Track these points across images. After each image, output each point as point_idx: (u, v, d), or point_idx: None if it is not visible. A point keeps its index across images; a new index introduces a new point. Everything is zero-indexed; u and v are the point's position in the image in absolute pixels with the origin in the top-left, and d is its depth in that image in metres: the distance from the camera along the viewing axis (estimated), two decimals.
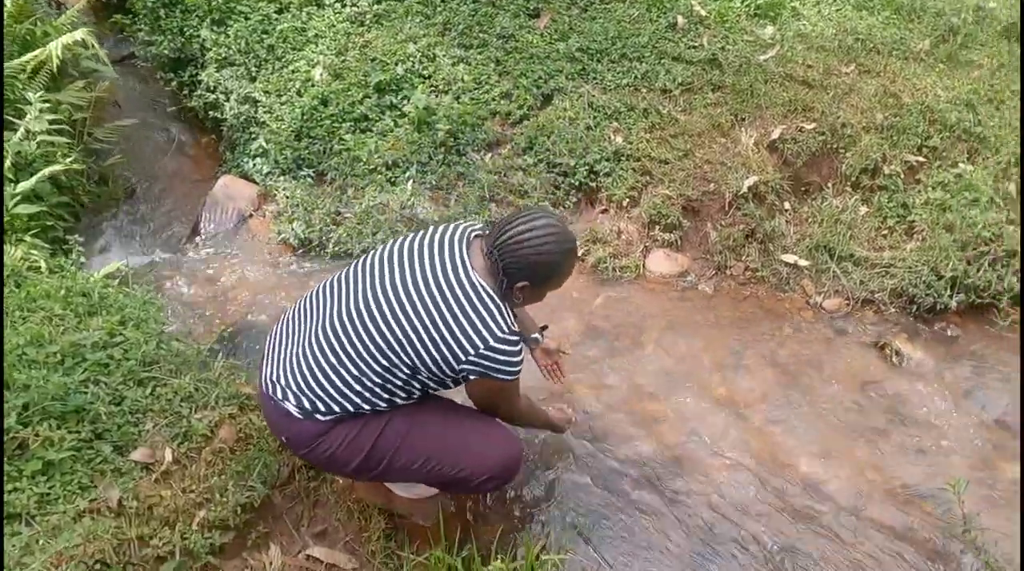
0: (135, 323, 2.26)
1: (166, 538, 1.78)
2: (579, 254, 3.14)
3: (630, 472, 2.34)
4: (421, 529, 2.04)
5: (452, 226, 1.87)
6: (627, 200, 3.16)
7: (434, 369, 1.72)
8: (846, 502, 2.26)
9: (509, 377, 1.74)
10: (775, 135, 3.21)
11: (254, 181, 3.60)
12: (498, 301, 1.73)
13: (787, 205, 3.14)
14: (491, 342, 1.68)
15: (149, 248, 3.48)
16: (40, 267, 2.42)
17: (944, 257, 2.77)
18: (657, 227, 3.09)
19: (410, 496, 2.11)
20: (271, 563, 1.89)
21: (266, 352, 1.90)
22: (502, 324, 1.71)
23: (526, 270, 1.72)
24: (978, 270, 2.74)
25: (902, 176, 3.03)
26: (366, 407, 1.77)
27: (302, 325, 1.87)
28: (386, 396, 1.78)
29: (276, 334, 1.92)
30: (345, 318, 1.78)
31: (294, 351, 1.83)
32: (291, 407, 1.76)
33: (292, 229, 3.23)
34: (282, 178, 3.55)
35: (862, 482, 2.32)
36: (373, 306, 1.76)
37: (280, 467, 2.08)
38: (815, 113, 3.24)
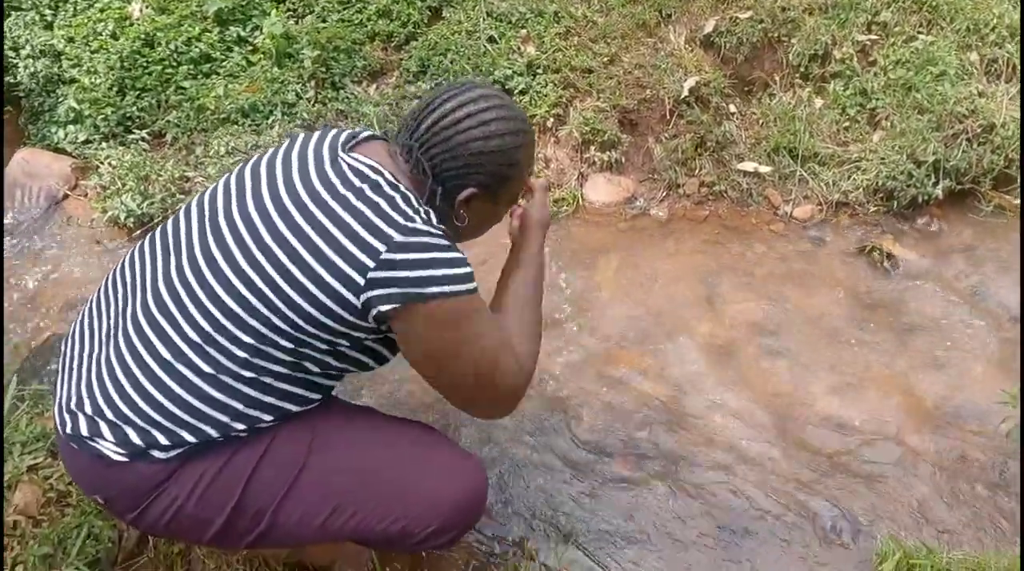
0: None
1: None
2: None
3: (617, 447, 1.81)
4: None
5: (328, 132, 1.22)
6: (551, 119, 2.59)
7: (328, 321, 1.06)
8: (882, 438, 1.83)
9: (449, 289, 1.05)
10: (708, 29, 2.73)
11: (68, 153, 2.74)
12: (401, 187, 1.10)
13: (732, 107, 2.68)
14: (396, 238, 1.03)
15: None
16: None
17: (921, 141, 2.41)
18: (592, 147, 2.55)
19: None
20: None
21: (60, 373, 1.19)
22: (410, 213, 1.07)
23: (471, 169, 1.12)
24: (959, 152, 2.39)
25: (855, 59, 2.64)
26: (238, 425, 1.11)
27: (110, 314, 1.18)
28: (267, 400, 1.12)
29: (71, 340, 1.22)
30: (176, 283, 1.11)
31: (105, 355, 1.14)
32: (108, 446, 1.08)
33: (123, 204, 2.43)
34: (105, 145, 2.72)
35: (890, 410, 1.91)
36: (214, 246, 1.10)
37: (121, 533, 1.37)
38: None
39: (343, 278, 1.03)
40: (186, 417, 1.08)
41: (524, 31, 2.75)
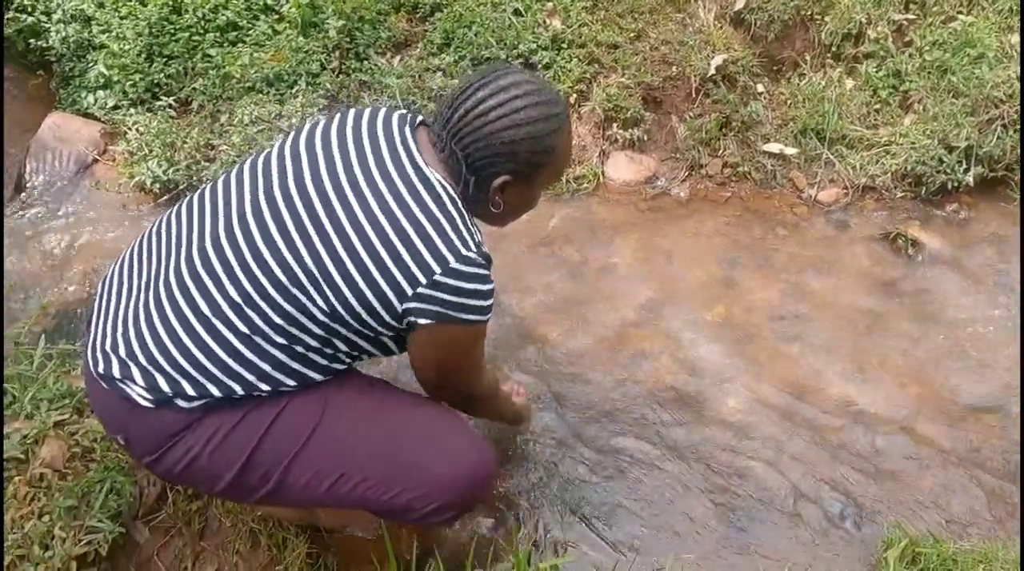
0: None
1: None
2: None
3: (626, 427, 1.82)
4: (360, 544, 1.44)
5: (381, 110, 1.23)
6: (575, 95, 2.57)
7: (364, 314, 1.11)
8: (894, 427, 1.82)
9: (476, 318, 1.14)
10: (739, 5, 2.67)
11: (97, 118, 2.78)
12: (460, 206, 1.14)
13: (760, 87, 2.63)
14: (452, 263, 1.09)
15: None
16: None
17: (954, 126, 2.34)
18: (615, 124, 2.52)
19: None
20: None
21: (94, 315, 1.23)
22: (467, 237, 1.12)
23: (503, 158, 1.13)
24: (994, 138, 2.32)
25: (890, 39, 2.56)
26: (263, 386, 1.14)
27: (156, 261, 1.20)
28: (294, 365, 1.15)
29: (108, 282, 1.25)
30: (224, 243, 1.13)
31: (142, 302, 1.16)
32: (137, 390, 1.12)
33: (149, 169, 2.47)
34: (133, 111, 2.75)
35: (905, 399, 1.89)
36: (269, 217, 1.12)
37: (142, 489, 1.42)
38: None
39: (394, 286, 1.09)
40: (216, 371, 1.12)
41: (550, 4, 2.71)
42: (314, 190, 1.12)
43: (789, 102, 2.59)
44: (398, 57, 2.74)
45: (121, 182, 2.52)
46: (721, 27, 2.68)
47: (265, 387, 1.14)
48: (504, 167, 1.14)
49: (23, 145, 2.84)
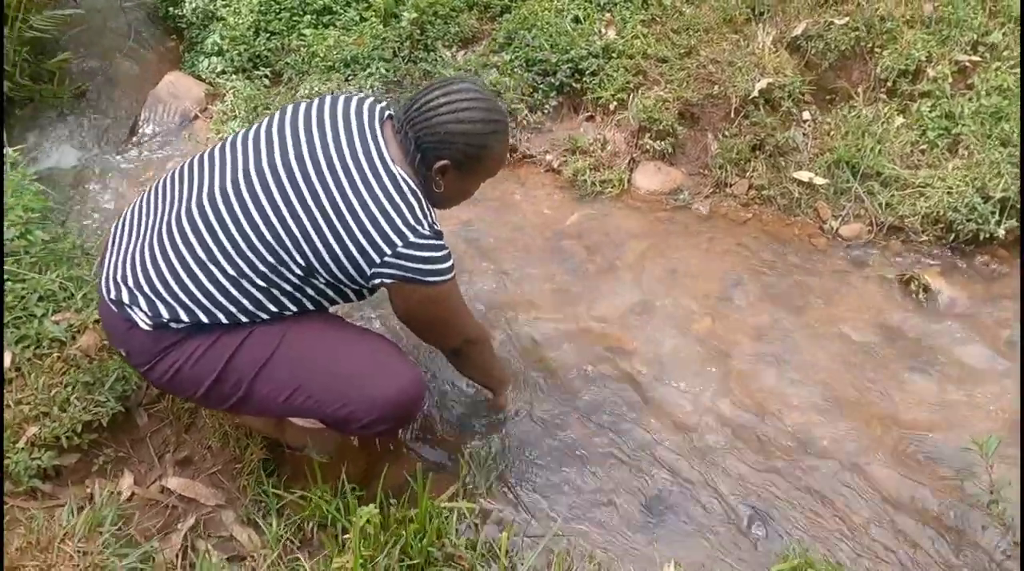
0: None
1: None
2: (555, 166, 2.71)
3: (583, 412, 1.95)
4: (311, 463, 1.68)
5: (355, 99, 1.48)
6: (615, 103, 2.69)
7: (337, 273, 1.37)
8: (843, 461, 1.83)
9: (436, 280, 1.40)
10: (798, 31, 2.68)
11: (205, 81, 3.22)
12: (418, 193, 1.39)
13: (806, 114, 2.62)
14: (411, 238, 1.35)
15: (88, 150, 3.15)
16: None
17: (994, 174, 2.25)
18: (647, 135, 2.62)
19: (306, 424, 1.75)
20: (120, 493, 1.57)
21: (108, 249, 1.53)
22: (423, 219, 1.37)
23: (445, 145, 1.37)
24: None
25: (950, 80, 2.48)
26: (242, 318, 1.40)
27: (161, 209, 1.49)
28: (270, 305, 1.41)
29: (122, 226, 1.54)
30: (218, 200, 1.40)
31: (148, 242, 1.45)
32: (140, 315, 1.39)
33: (231, 129, 2.85)
34: (235, 77, 3.16)
35: (867, 438, 1.89)
36: (258, 186, 1.38)
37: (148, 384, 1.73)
38: (850, 5, 2.69)
39: (364, 254, 1.35)
40: (206, 304, 1.39)
41: (608, 14, 2.83)
42: (299, 167, 1.37)
43: (831, 132, 2.58)
44: (463, 52, 2.97)
45: (209, 137, 2.92)
46: (776, 51, 2.69)
47: (245, 319, 1.41)
48: (445, 153, 1.38)
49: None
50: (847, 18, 2.64)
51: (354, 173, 1.35)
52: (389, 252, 1.34)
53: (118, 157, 2.99)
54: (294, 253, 1.36)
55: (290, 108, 1.47)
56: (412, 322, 1.52)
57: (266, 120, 1.47)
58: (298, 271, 1.38)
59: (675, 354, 2.11)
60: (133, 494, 1.58)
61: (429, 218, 1.41)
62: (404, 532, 1.49)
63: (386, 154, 1.38)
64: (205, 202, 1.40)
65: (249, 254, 1.36)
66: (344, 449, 1.76)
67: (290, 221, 1.35)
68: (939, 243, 2.35)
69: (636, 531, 1.68)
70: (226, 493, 1.62)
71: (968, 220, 2.27)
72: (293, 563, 1.46)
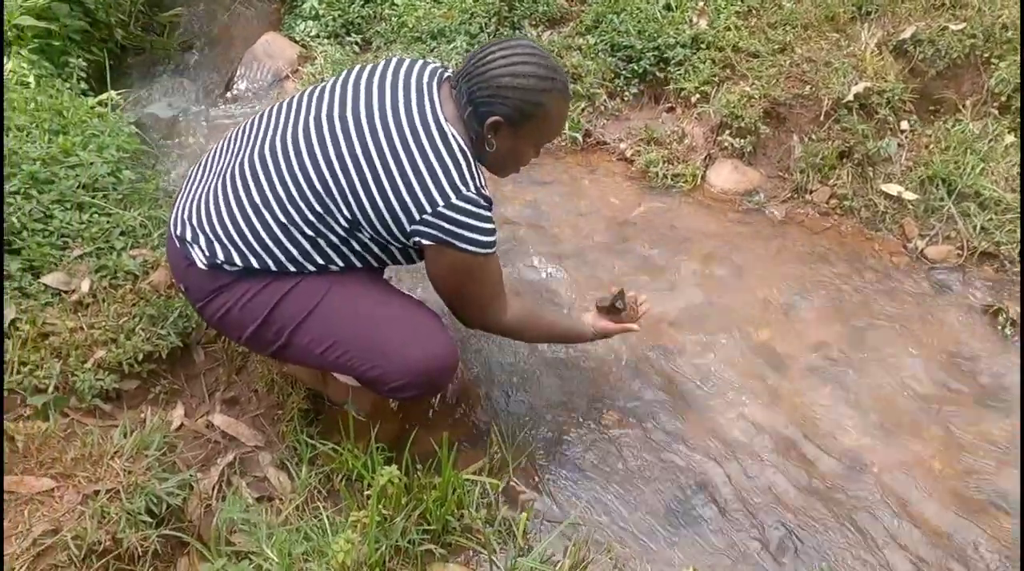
0: (97, 147, 2.06)
1: (51, 370, 1.58)
2: (627, 155, 2.65)
3: (622, 406, 1.92)
4: (347, 419, 1.73)
5: (419, 63, 1.49)
6: (697, 96, 2.60)
7: (379, 227, 1.39)
8: (892, 493, 1.72)
9: (474, 249, 1.38)
10: (906, 34, 2.50)
11: (299, 43, 3.33)
12: (468, 154, 1.38)
13: (905, 124, 2.46)
14: (453, 199, 1.34)
15: (187, 101, 3.33)
16: (29, 83, 2.27)
17: None
18: (728, 131, 2.52)
19: (349, 382, 1.80)
20: (170, 422, 1.67)
21: (182, 188, 1.61)
22: (469, 181, 1.36)
23: (498, 99, 1.35)
24: None
25: None
26: (290, 267, 1.45)
27: (231, 155, 1.56)
28: (316, 256, 1.45)
29: (198, 168, 1.62)
30: (278, 150, 1.45)
31: (213, 186, 1.52)
32: (199, 254, 1.46)
33: None
34: (327, 42, 3.26)
35: (922, 472, 1.77)
36: (315, 138, 1.41)
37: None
38: (969, 10, 2.49)
39: (405, 209, 1.35)
40: (258, 248, 1.44)
41: (702, 3, 2.73)
42: (354, 121, 1.39)
43: (930, 145, 2.40)
44: (549, 31, 2.94)
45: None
46: (880, 54, 2.53)
47: (292, 268, 1.45)
48: (497, 108, 1.36)
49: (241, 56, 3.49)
50: (964, 24, 2.45)
51: (406, 128, 1.35)
52: (430, 210, 1.33)
53: (212, 110, 3.14)
54: (340, 204, 1.38)
55: (357, 67, 1.50)
56: (441, 289, 1.48)
57: (334, 78, 1.50)
58: (344, 223, 1.39)
59: (727, 359, 2.04)
60: (182, 425, 1.67)
61: (477, 181, 1.38)
62: (425, 498, 1.52)
63: (439, 111, 1.37)
64: (267, 150, 1.46)
65: (300, 202, 1.40)
66: (382, 410, 1.80)
67: (339, 172, 1.37)
68: None
69: (658, 532, 1.64)
70: (266, 436, 1.70)
71: None
72: (316, 511, 1.51)
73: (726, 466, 1.78)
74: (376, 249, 1.46)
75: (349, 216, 1.39)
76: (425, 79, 1.43)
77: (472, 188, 1.36)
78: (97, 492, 1.37)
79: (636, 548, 1.61)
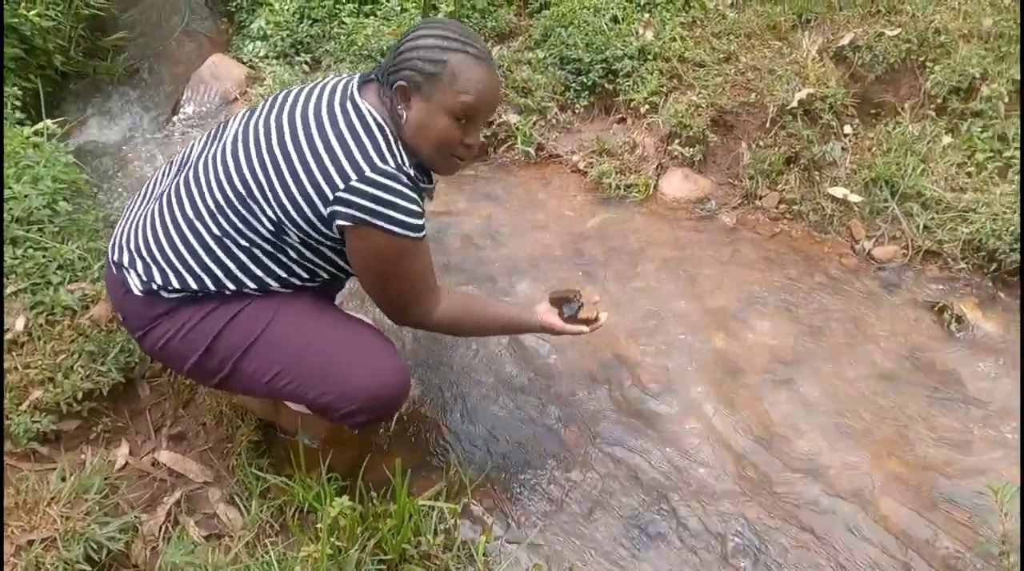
0: (32, 179, 1.99)
1: None
2: (580, 167, 2.66)
3: (581, 420, 1.91)
4: (305, 451, 1.68)
5: (354, 78, 1.46)
6: (646, 106, 2.62)
7: (300, 222, 1.33)
8: (850, 492, 1.74)
9: (398, 230, 1.31)
10: (845, 41, 2.56)
11: (247, 64, 3.29)
12: (387, 131, 1.34)
13: (848, 128, 2.51)
14: (367, 172, 1.28)
15: (133, 126, 3.25)
16: None
17: None
18: (677, 141, 2.55)
19: (300, 410, 1.76)
20: (113, 462, 1.60)
21: (122, 215, 1.57)
22: (388, 156, 1.31)
23: (401, 65, 1.31)
24: None
25: (1006, 99, 2.33)
26: (229, 284, 1.40)
27: (165, 182, 1.54)
28: (255, 269, 1.41)
29: (138, 195, 1.59)
30: (208, 165, 1.43)
31: (151, 210, 1.48)
32: (135, 279, 1.42)
33: None
34: (275, 62, 3.22)
35: (879, 471, 1.79)
36: (240, 146, 1.40)
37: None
38: (903, 16, 2.56)
39: (318, 189, 1.30)
40: (194, 265, 1.39)
41: (648, 15, 2.77)
42: (275, 125, 1.37)
43: (872, 148, 2.46)
44: (499, 47, 2.95)
45: None
46: (821, 61, 2.58)
47: (231, 286, 1.41)
48: (402, 73, 1.31)
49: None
50: (899, 29, 2.52)
51: (323, 113, 1.33)
52: (342, 185, 1.27)
53: (158, 134, 3.07)
54: (262, 203, 1.34)
55: (296, 86, 1.48)
56: (365, 281, 1.40)
57: (271, 95, 1.48)
58: (269, 225, 1.35)
59: (683, 368, 2.05)
60: (127, 464, 1.61)
61: (398, 158, 1.33)
62: (381, 527, 1.48)
63: (356, 95, 1.34)
64: (200, 167, 1.44)
65: (227, 209, 1.37)
66: (336, 437, 1.76)
67: (257, 169, 1.34)
68: (978, 272, 2.22)
69: (618, 548, 1.63)
70: (215, 471, 1.64)
71: (1012, 249, 2.13)
72: (267, 547, 1.47)
73: (685, 477, 1.78)
74: (309, 253, 1.41)
75: (272, 216, 1.35)
76: (347, 79, 1.41)
77: (392, 164, 1.30)
78: (31, 542, 1.31)
79: (597, 566, 1.60)
